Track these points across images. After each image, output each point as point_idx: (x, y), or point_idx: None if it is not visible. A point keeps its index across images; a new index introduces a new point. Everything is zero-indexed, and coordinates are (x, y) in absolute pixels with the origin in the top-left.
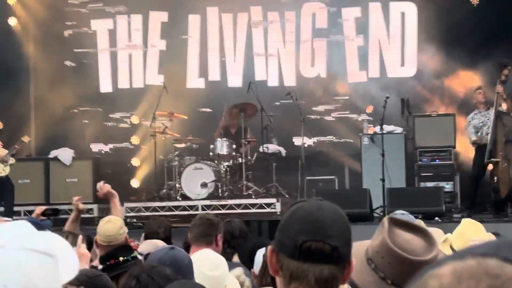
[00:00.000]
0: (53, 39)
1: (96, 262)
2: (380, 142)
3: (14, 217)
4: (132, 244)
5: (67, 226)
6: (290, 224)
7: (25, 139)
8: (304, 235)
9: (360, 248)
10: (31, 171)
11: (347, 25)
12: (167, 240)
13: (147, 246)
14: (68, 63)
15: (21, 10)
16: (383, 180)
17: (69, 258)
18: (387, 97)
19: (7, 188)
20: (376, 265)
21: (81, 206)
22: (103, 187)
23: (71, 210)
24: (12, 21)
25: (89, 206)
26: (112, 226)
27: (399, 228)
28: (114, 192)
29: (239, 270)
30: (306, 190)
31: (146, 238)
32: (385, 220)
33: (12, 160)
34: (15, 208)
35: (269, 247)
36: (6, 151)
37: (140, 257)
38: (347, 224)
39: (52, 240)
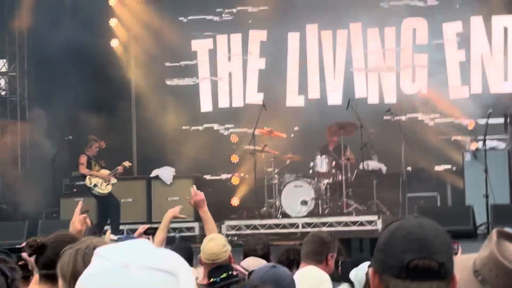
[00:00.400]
0: (153, 60)
1: (200, 280)
2: (483, 158)
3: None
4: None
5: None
6: (393, 243)
7: (127, 164)
8: (410, 254)
9: (464, 261)
10: (134, 190)
11: (448, 40)
12: (265, 257)
13: (251, 263)
14: (168, 82)
15: (122, 31)
16: (486, 196)
17: (187, 275)
18: (490, 113)
19: (113, 204)
20: (483, 278)
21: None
22: (199, 193)
23: (174, 229)
24: (114, 43)
25: (191, 225)
26: (215, 244)
27: (508, 241)
28: (204, 199)
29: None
30: (407, 207)
31: (244, 255)
32: (494, 232)
33: (114, 180)
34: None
35: (370, 269)
36: (108, 172)
37: (242, 270)
38: (449, 240)
39: (172, 258)
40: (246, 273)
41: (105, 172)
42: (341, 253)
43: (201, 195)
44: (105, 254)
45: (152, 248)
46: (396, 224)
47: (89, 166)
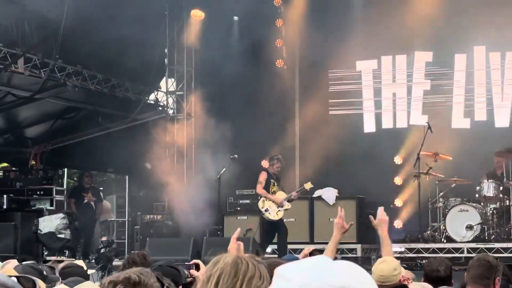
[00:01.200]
0: (317, 79)
1: None
2: None
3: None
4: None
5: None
6: None
7: (308, 186)
8: None
9: None
10: (297, 210)
11: None
12: (448, 279)
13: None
14: (331, 101)
15: (287, 53)
16: None
17: None
18: None
19: (281, 232)
20: None
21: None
22: (384, 214)
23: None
24: (279, 63)
25: (353, 246)
26: (386, 266)
27: None
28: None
29: None
30: None
31: (425, 276)
32: None
33: (287, 205)
34: None
35: None
36: (284, 195)
37: None
38: None
39: (353, 274)
40: None
41: (281, 195)
42: (510, 280)
43: (385, 217)
44: (285, 274)
45: (332, 264)
46: None
47: (267, 185)
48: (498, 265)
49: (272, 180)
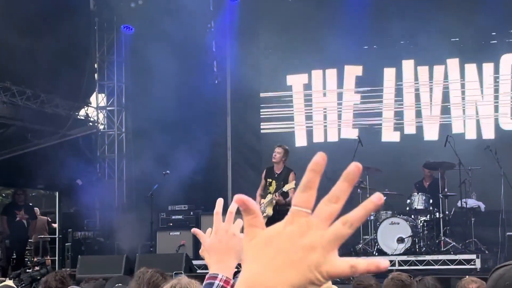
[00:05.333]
0: (248, 95)
1: None
2: None
3: None
4: None
5: None
6: None
7: (287, 187)
8: None
9: None
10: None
11: None
12: None
13: None
14: (262, 118)
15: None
16: None
17: None
18: None
19: None
20: None
21: None
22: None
23: None
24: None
25: None
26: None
27: None
28: None
29: None
30: (507, 246)
31: None
32: None
33: (267, 213)
34: None
35: None
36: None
37: None
38: None
39: None
40: None
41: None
42: None
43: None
44: None
45: None
46: (501, 272)
47: (266, 187)
48: (412, 284)
49: (269, 180)
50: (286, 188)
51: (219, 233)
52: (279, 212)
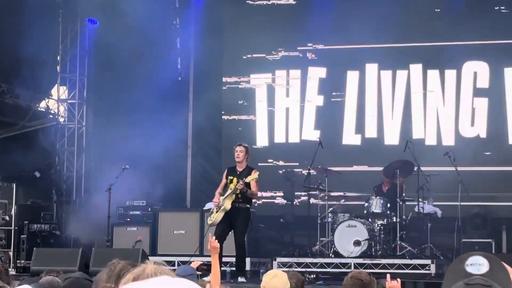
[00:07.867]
0: (211, 90)
1: None
2: None
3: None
4: None
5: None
6: None
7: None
8: None
9: None
10: (186, 222)
11: (509, 84)
12: None
13: None
14: (224, 117)
15: (182, 63)
16: None
17: None
18: None
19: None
20: None
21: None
22: (215, 242)
23: (225, 263)
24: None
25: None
26: (279, 281)
27: None
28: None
29: None
30: (461, 253)
31: None
32: None
33: (224, 206)
34: (169, 258)
35: None
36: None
37: None
38: None
39: None
40: None
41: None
42: None
43: (216, 244)
44: None
45: (174, 284)
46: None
47: (227, 185)
48: (372, 282)
49: (230, 177)
50: (248, 179)
51: None
52: (237, 208)
